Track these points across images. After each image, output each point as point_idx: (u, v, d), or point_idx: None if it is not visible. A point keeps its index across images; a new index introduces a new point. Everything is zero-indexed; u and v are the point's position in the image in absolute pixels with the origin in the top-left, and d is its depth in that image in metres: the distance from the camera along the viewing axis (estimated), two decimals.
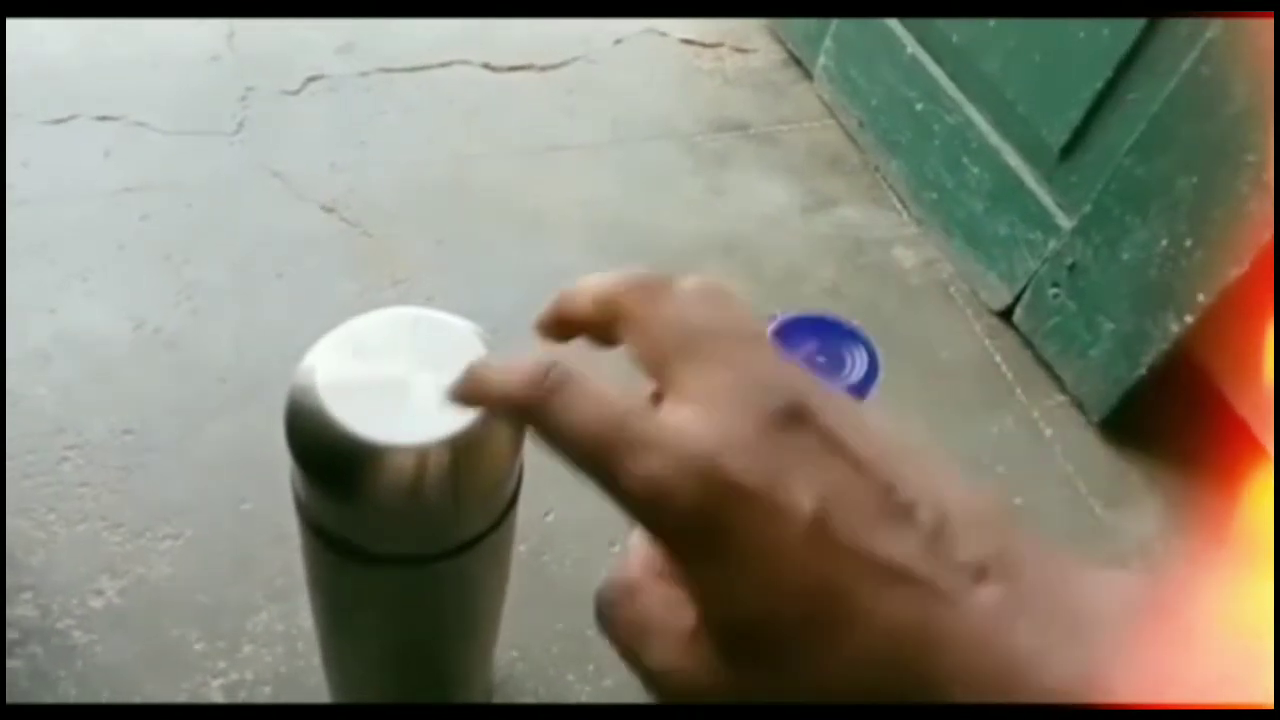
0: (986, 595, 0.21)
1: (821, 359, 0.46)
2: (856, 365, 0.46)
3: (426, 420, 0.42)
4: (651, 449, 0.22)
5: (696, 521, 0.21)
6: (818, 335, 0.44)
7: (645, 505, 0.22)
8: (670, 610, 0.23)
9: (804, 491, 0.21)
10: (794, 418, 0.22)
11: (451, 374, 0.45)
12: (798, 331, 0.46)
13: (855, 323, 0.44)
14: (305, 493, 0.46)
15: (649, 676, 0.23)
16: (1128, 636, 0.20)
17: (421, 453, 0.42)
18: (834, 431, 0.22)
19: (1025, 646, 0.20)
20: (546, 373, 0.24)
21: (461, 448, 0.43)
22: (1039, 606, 0.21)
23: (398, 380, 0.43)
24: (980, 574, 0.21)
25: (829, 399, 0.23)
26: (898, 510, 0.21)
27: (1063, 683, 0.20)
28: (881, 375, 0.43)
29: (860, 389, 0.44)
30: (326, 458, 0.42)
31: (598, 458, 0.23)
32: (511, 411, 0.26)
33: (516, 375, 0.25)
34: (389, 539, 0.46)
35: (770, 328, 0.45)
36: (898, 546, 0.21)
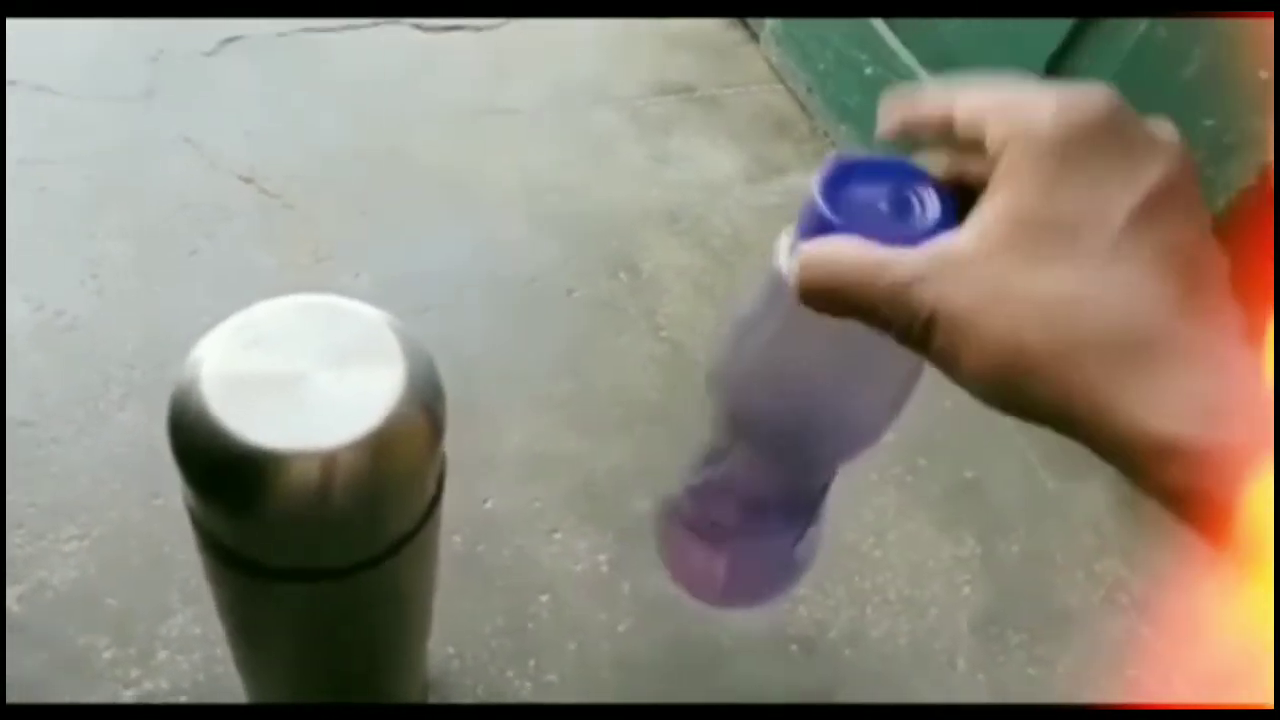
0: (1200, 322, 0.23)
1: (884, 205, 0.39)
2: (929, 208, 0.39)
3: (331, 421, 0.38)
4: None
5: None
6: (882, 179, 0.39)
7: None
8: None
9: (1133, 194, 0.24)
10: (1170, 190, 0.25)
11: (358, 370, 0.41)
12: (856, 176, 0.40)
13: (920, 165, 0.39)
14: (197, 506, 0.41)
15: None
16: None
17: (327, 458, 0.38)
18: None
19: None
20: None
21: (373, 449, 0.39)
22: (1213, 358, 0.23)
23: (298, 376, 0.39)
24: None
25: None
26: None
27: (1171, 424, 0.22)
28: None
29: (934, 235, 0.38)
30: (216, 469, 0.38)
31: None
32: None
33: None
34: (297, 553, 0.42)
35: (822, 174, 0.39)
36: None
